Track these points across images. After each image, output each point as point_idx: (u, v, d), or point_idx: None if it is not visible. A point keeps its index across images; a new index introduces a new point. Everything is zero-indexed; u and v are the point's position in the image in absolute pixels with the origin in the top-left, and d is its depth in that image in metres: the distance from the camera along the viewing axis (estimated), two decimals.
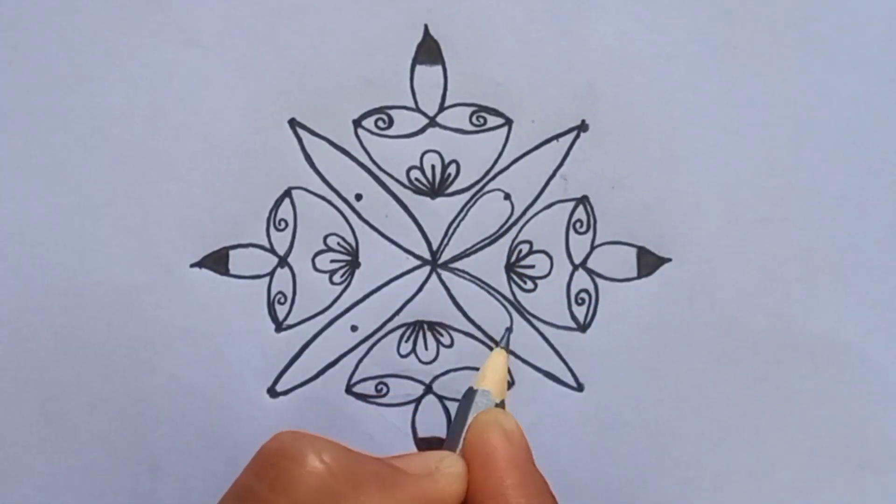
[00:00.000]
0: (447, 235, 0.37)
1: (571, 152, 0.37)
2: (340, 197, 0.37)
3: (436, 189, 0.37)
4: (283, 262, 0.37)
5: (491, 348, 0.37)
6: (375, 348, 0.37)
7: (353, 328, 0.37)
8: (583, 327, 0.37)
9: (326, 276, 0.37)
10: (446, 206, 0.37)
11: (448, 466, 0.30)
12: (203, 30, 0.36)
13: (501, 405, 0.32)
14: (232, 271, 0.36)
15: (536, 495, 0.30)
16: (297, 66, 0.36)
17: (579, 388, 0.37)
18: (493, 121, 0.36)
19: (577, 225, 0.37)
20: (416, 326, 0.37)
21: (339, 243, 0.37)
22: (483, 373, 0.33)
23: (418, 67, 0.36)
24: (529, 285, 0.37)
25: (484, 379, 0.33)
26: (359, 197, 0.37)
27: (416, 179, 0.37)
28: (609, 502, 0.37)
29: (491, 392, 0.32)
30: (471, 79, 0.36)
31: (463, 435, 0.31)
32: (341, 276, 0.37)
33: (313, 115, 0.36)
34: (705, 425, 0.37)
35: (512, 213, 0.37)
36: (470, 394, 0.32)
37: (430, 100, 0.36)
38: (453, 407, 0.37)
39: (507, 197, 0.37)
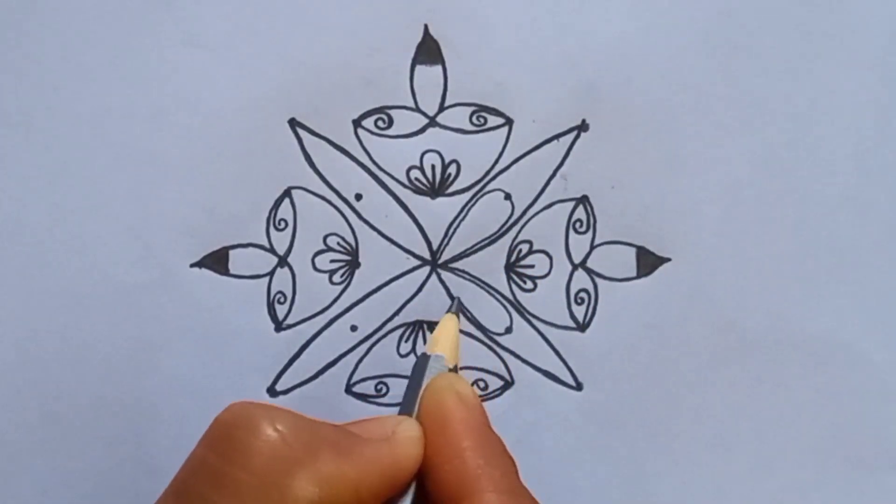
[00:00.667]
0: (447, 235, 0.37)
1: (572, 152, 0.37)
2: (340, 197, 0.37)
3: (436, 189, 0.37)
4: (283, 261, 0.37)
5: (491, 348, 0.37)
6: (375, 348, 0.37)
7: (353, 328, 0.37)
8: (582, 327, 0.37)
9: (326, 275, 0.37)
10: (446, 206, 0.37)
11: (404, 431, 0.30)
12: (203, 30, 0.36)
13: (455, 370, 0.32)
14: (232, 271, 0.36)
15: (494, 456, 0.30)
16: (297, 66, 0.36)
17: (578, 387, 0.37)
18: (493, 120, 0.36)
19: (577, 225, 0.37)
20: (416, 326, 0.37)
21: (339, 243, 0.37)
22: (435, 338, 0.33)
23: (418, 67, 0.36)
24: (529, 285, 0.37)
25: (437, 344, 0.33)
26: (359, 197, 0.37)
27: (416, 179, 0.37)
28: (609, 502, 0.37)
29: (444, 357, 0.32)
30: (471, 79, 0.36)
31: (418, 400, 0.31)
32: (341, 276, 0.37)
33: (313, 115, 0.36)
34: (705, 425, 0.37)
35: (512, 213, 0.37)
36: (423, 359, 0.32)
37: (430, 100, 0.36)
38: None
39: (508, 197, 0.37)
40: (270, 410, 0.28)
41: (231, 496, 0.27)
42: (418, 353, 0.37)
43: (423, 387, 0.32)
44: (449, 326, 0.34)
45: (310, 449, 0.28)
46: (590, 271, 0.37)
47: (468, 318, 0.37)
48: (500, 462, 0.30)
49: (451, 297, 0.36)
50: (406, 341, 0.37)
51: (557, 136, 0.37)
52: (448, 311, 0.35)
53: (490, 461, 0.30)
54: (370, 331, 0.37)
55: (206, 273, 0.36)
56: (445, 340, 0.33)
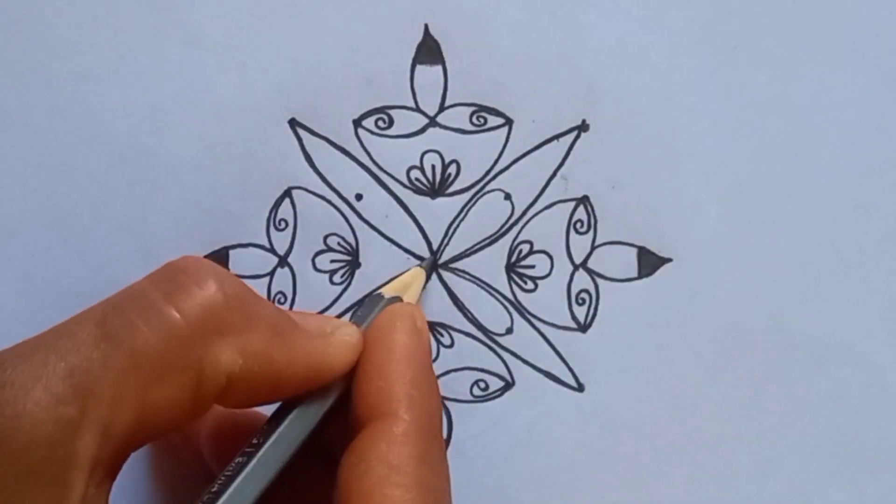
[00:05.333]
0: (447, 235, 0.37)
1: (572, 152, 0.37)
2: (340, 197, 0.37)
3: (436, 189, 0.37)
4: (283, 261, 0.37)
5: (492, 349, 0.37)
6: None
7: None
8: (583, 327, 0.37)
9: (326, 276, 0.37)
10: (446, 206, 0.37)
11: (343, 334, 0.31)
12: (203, 30, 0.36)
13: None
14: (232, 271, 0.36)
15: (427, 395, 0.30)
16: (297, 66, 0.36)
17: (580, 388, 0.37)
18: (493, 121, 0.36)
19: (578, 225, 0.37)
20: None
21: (339, 243, 0.37)
22: (401, 283, 0.34)
23: (418, 67, 0.36)
24: (530, 285, 0.37)
25: (403, 290, 0.34)
26: (359, 197, 0.37)
27: (417, 179, 0.37)
28: (609, 502, 0.37)
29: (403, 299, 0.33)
30: (471, 79, 0.36)
31: (370, 318, 0.32)
32: (341, 276, 0.37)
33: (313, 115, 0.36)
34: (705, 425, 0.37)
35: (512, 213, 0.37)
36: (380, 298, 0.33)
37: (430, 100, 0.36)
38: (454, 407, 0.37)
39: (508, 197, 0.37)
40: (221, 272, 0.28)
41: (157, 330, 0.26)
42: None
43: (379, 308, 0.32)
44: (416, 277, 0.34)
45: (248, 319, 0.28)
46: (591, 272, 0.37)
47: (468, 318, 0.37)
48: (430, 399, 0.30)
49: (429, 258, 0.36)
50: None
51: (557, 136, 0.37)
52: (421, 266, 0.35)
53: (422, 394, 0.30)
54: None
55: None
56: (414, 291, 0.34)
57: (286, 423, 0.29)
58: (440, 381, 0.37)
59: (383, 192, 0.37)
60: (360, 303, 0.35)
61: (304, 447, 0.30)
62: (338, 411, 0.31)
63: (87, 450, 0.25)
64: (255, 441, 0.29)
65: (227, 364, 0.27)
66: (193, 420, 0.28)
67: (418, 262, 0.37)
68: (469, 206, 0.37)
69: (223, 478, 0.28)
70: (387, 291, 0.34)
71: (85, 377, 0.25)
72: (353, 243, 0.37)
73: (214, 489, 0.28)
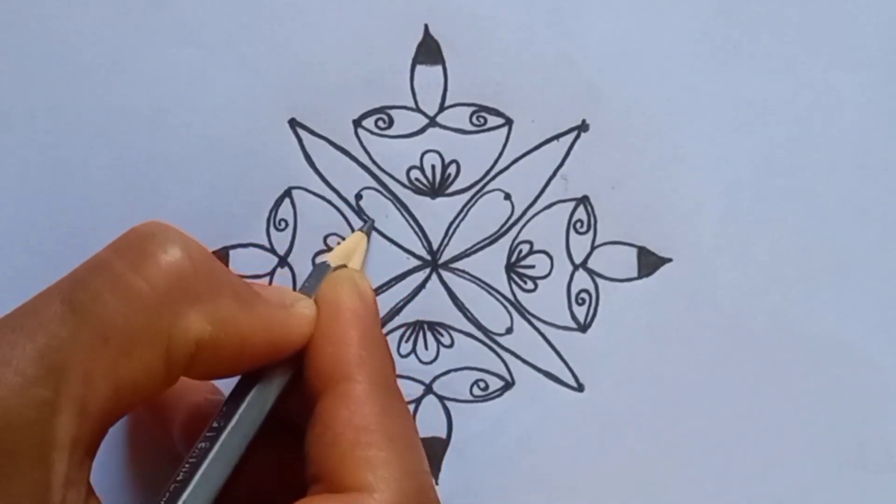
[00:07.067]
0: (447, 235, 0.37)
1: (572, 152, 0.37)
2: (340, 197, 0.37)
3: (436, 189, 0.37)
4: (283, 262, 0.37)
5: (492, 349, 0.37)
6: None
7: None
8: (583, 327, 0.37)
9: None
10: (446, 206, 0.37)
11: (302, 308, 0.31)
12: (203, 29, 0.36)
13: None
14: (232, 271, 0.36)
15: (376, 349, 0.30)
16: (297, 66, 0.36)
17: (580, 388, 0.37)
18: (493, 121, 0.36)
19: (578, 225, 0.37)
20: (416, 326, 0.37)
21: (339, 243, 0.37)
22: (344, 250, 0.35)
23: (418, 67, 0.36)
24: (530, 285, 0.37)
25: (345, 258, 0.34)
26: (359, 197, 0.37)
27: (416, 179, 0.37)
28: (609, 502, 0.37)
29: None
30: (471, 79, 0.36)
31: (316, 289, 0.32)
32: None
33: (313, 115, 0.36)
34: (705, 425, 0.37)
35: (512, 213, 0.37)
36: (326, 266, 0.33)
37: (430, 100, 0.36)
38: (454, 407, 0.37)
39: (508, 197, 0.37)
40: (186, 237, 0.28)
41: (125, 301, 0.26)
42: (426, 360, 0.37)
43: (324, 276, 0.32)
44: (358, 242, 0.35)
45: (213, 286, 0.28)
46: (591, 272, 0.37)
47: (468, 319, 0.37)
48: (381, 357, 0.31)
49: (368, 221, 0.36)
50: (406, 341, 0.37)
51: (557, 136, 0.37)
52: (360, 229, 0.35)
53: (372, 353, 0.30)
54: None
55: None
56: (358, 257, 0.35)
57: (246, 402, 0.29)
58: (440, 381, 0.37)
59: (383, 192, 0.37)
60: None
61: (265, 423, 0.30)
62: (294, 383, 0.31)
63: (65, 429, 0.25)
64: (215, 424, 0.29)
65: (197, 331, 0.27)
66: (165, 389, 0.28)
67: (419, 262, 0.37)
68: (469, 206, 0.37)
69: (187, 465, 0.28)
70: (332, 259, 0.34)
71: (55, 356, 0.25)
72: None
73: (180, 477, 0.27)
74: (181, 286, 0.27)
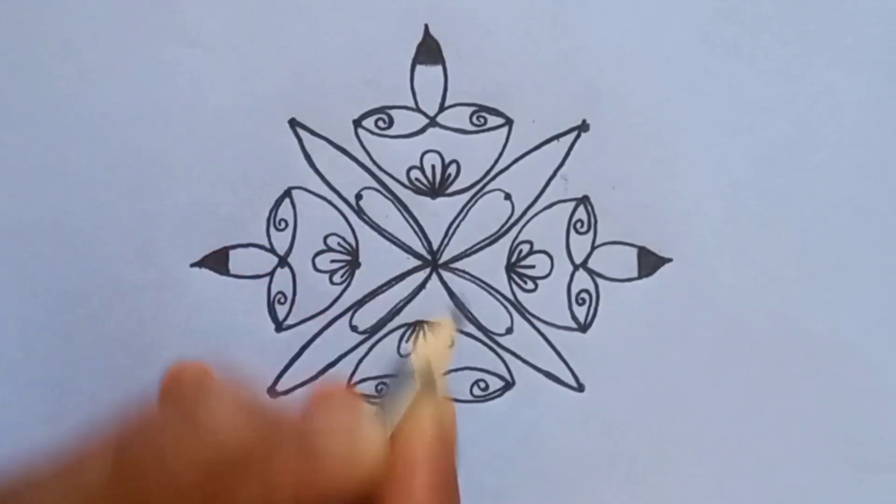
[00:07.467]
0: (447, 235, 0.37)
1: (572, 152, 0.37)
2: (340, 197, 0.37)
3: (436, 189, 0.37)
4: (283, 262, 0.37)
5: (492, 349, 0.37)
6: (376, 348, 0.37)
7: (353, 328, 0.37)
8: (583, 327, 0.37)
9: (326, 276, 0.37)
10: (446, 206, 0.37)
11: (370, 443, 0.27)
12: (204, 30, 0.36)
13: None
14: (232, 271, 0.36)
15: (448, 500, 0.28)
16: (297, 66, 0.36)
17: (580, 388, 0.37)
18: (493, 121, 0.36)
19: (578, 225, 0.37)
20: (417, 326, 0.37)
21: (339, 243, 0.37)
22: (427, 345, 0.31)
23: (418, 67, 0.36)
24: (530, 285, 0.37)
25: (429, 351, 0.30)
26: (359, 197, 0.37)
27: (417, 179, 0.37)
28: (609, 502, 0.37)
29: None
30: (471, 79, 0.36)
31: (395, 414, 0.28)
32: (341, 276, 0.37)
33: (313, 115, 0.36)
34: (705, 425, 0.37)
35: (512, 213, 0.37)
36: (406, 364, 0.30)
37: (430, 100, 0.36)
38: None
39: (508, 197, 0.37)
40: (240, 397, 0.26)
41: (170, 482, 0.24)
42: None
43: (405, 399, 0.28)
44: (444, 333, 0.31)
45: (270, 447, 0.25)
46: (591, 272, 0.37)
47: (469, 319, 0.37)
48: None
49: (454, 299, 0.35)
50: (406, 341, 0.37)
51: (557, 136, 0.37)
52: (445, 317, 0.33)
53: (442, 500, 0.28)
54: (370, 331, 0.37)
55: (207, 273, 0.36)
56: (441, 356, 0.31)
57: None
58: None
59: (383, 192, 0.37)
60: (384, 380, 0.32)
61: None
62: None
63: None
64: None
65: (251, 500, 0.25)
66: None
67: (419, 262, 0.37)
68: (469, 206, 0.37)
69: None
70: (415, 359, 0.31)
71: None
72: (353, 243, 0.37)
73: None
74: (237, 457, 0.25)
